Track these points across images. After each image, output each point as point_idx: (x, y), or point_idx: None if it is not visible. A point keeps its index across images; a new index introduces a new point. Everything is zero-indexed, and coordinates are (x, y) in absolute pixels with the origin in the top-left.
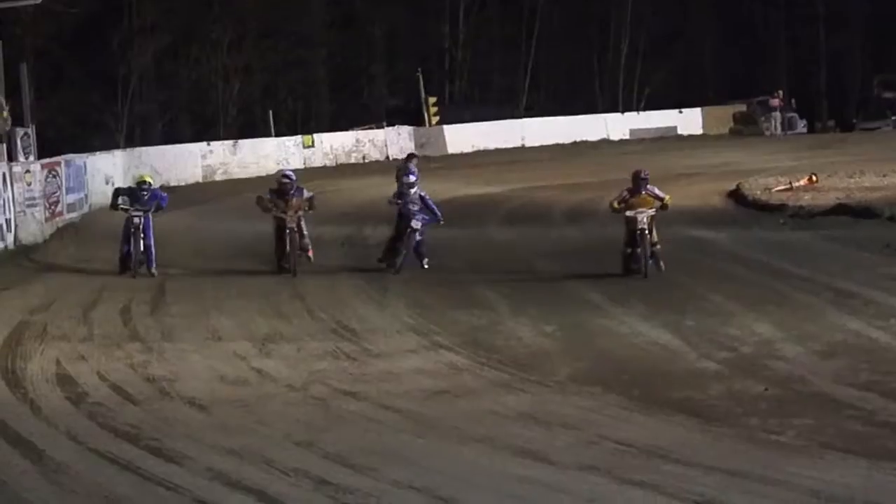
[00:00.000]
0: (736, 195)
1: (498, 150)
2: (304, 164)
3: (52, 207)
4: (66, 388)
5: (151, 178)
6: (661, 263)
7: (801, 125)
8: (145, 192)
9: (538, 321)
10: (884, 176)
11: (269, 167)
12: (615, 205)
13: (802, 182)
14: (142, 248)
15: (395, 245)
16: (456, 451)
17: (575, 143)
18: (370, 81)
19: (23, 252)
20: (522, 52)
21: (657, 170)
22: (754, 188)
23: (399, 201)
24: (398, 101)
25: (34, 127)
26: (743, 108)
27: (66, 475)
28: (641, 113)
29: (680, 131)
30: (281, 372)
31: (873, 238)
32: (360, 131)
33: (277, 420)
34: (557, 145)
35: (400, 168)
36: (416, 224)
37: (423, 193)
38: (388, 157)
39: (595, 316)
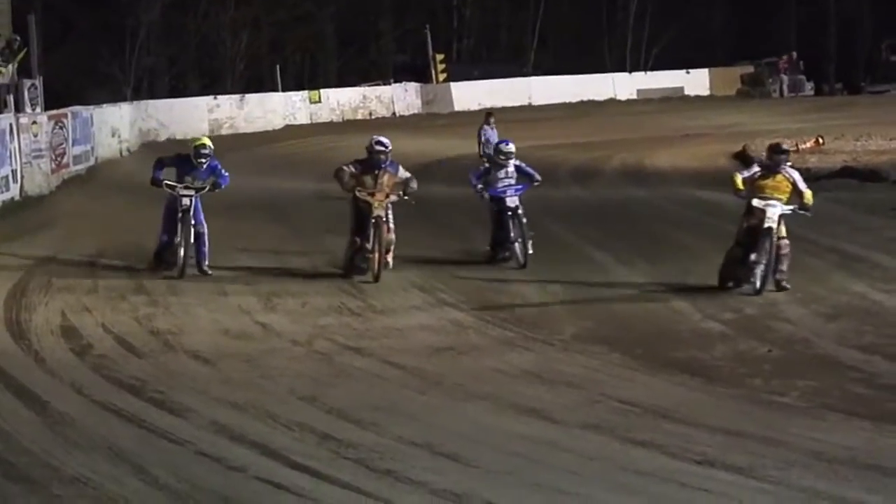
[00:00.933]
0: (742, 156)
1: (504, 108)
2: (311, 119)
3: (59, 159)
4: (70, 340)
5: (210, 143)
6: (785, 281)
7: (809, 87)
8: (203, 161)
9: (543, 280)
10: (891, 139)
11: (276, 122)
12: (740, 183)
13: (809, 144)
14: (191, 239)
15: (498, 237)
16: (459, 407)
17: (582, 103)
18: (378, 38)
19: (28, 203)
20: (530, 10)
21: (664, 130)
22: (760, 150)
23: (484, 190)
24: (406, 57)
25: (41, 78)
26: (750, 69)
27: (69, 427)
28: (649, 73)
29: (687, 92)
30: (285, 327)
31: (879, 201)
32: (366, 87)
33: (282, 374)
34: (564, 104)
35: (484, 132)
36: (512, 202)
37: (518, 162)
38: (394, 114)
39: (600, 275)
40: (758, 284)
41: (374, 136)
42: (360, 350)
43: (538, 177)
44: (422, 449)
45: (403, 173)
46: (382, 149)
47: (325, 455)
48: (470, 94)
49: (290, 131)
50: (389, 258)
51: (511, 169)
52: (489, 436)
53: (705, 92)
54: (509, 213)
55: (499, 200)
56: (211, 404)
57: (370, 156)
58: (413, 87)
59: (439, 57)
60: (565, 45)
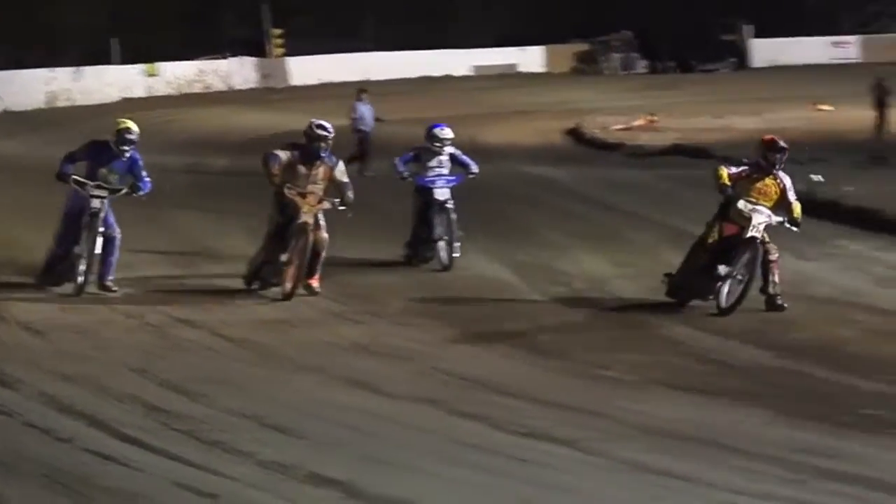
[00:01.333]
0: (575, 133)
1: (343, 84)
2: (148, 92)
3: None
4: None
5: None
6: (780, 297)
7: (642, 65)
8: (126, 150)
9: (377, 254)
10: (720, 117)
11: (113, 95)
12: (727, 177)
13: (640, 122)
14: (98, 248)
15: (420, 235)
16: (289, 380)
17: (419, 78)
18: (218, 11)
19: None
20: None
21: (499, 106)
22: (593, 127)
23: (406, 174)
24: (245, 32)
25: None
26: (585, 47)
27: None
28: (485, 50)
29: (523, 69)
30: (118, 299)
31: (707, 178)
32: (203, 61)
33: (113, 346)
34: (402, 80)
35: (355, 109)
36: (442, 195)
37: (454, 150)
38: (230, 88)
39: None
40: (723, 302)
41: (314, 119)
42: (192, 322)
43: (475, 168)
44: (250, 421)
45: (341, 172)
46: (325, 134)
47: (153, 426)
48: (307, 69)
49: (127, 104)
50: (315, 282)
51: (445, 157)
52: (318, 408)
53: (541, 69)
54: (437, 206)
55: (426, 192)
56: (41, 376)
57: (309, 142)
58: (250, 61)
59: (277, 32)
60: (404, 20)
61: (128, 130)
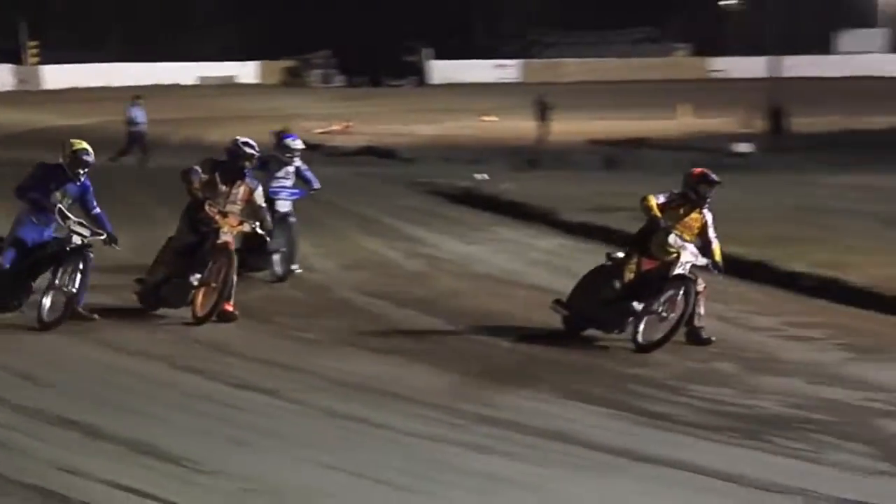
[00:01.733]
0: (276, 135)
1: (91, 89)
2: None
3: None
4: None
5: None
6: (704, 330)
7: (339, 80)
8: (82, 174)
9: (124, 235)
10: (405, 125)
11: None
12: (656, 208)
13: (337, 127)
14: (77, 283)
15: (254, 244)
16: (45, 338)
17: (153, 86)
18: None
19: None
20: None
21: (219, 111)
22: (297, 130)
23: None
24: (3, 42)
25: None
26: (291, 63)
27: None
28: (208, 63)
29: (240, 80)
30: None
31: (393, 175)
32: None
33: None
34: (139, 86)
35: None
36: (283, 206)
37: (301, 164)
38: None
39: (165, 231)
40: (641, 338)
41: (239, 137)
42: None
43: (317, 184)
44: (7, 372)
45: (260, 196)
46: (252, 152)
47: None
48: (59, 76)
49: None
50: (231, 307)
51: (292, 169)
52: (66, 362)
53: (256, 81)
54: (277, 218)
55: (267, 202)
56: None
57: (232, 160)
58: (7, 67)
59: (33, 43)
60: (143, 36)
61: (85, 152)
